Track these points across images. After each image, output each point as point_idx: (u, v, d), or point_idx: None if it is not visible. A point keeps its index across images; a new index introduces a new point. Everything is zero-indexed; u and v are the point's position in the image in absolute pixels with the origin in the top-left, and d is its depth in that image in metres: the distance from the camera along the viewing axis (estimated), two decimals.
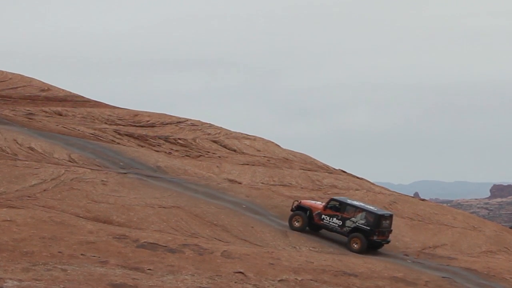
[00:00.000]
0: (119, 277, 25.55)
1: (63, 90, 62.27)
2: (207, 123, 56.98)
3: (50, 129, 48.43)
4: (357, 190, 47.15)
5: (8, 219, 30.43)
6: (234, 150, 51.85)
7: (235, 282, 27.34)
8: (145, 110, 58.80)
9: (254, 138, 54.85)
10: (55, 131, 47.91)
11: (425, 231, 42.48)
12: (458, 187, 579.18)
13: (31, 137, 44.39)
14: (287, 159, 51.61)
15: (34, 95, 59.45)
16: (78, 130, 49.60)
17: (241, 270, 28.65)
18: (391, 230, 38.59)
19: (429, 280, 32.86)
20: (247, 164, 48.31)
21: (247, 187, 43.89)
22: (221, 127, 56.50)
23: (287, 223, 38.76)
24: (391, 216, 38.61)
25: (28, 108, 53.97)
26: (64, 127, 49.62)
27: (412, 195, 70.39)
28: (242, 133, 55.75)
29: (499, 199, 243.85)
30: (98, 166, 41.88)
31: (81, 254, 27.40)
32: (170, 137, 52.35)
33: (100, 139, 48.33)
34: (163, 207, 37.02)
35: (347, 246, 37.46)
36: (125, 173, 41.12)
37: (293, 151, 54.28)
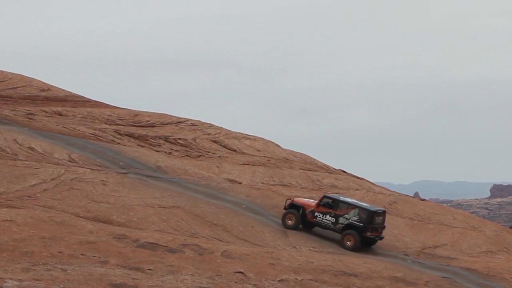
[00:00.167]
0: (119, 277, 25.54)
1: (63, 90, 62.27)
2: (207, 123, 56.98)
3: (50, 129, 48.43)
4: (357, 190, 47.16)
5: (8, 219, 30.43)
6: (234, 150, 51.84)
7: (235, 282, 27.34)
8: (145, 110, 58.80)
9: (254, 138, 54.84)
10: (55, 131, 47.91)
11: (425, 231, 42.48)
12: (458, 187, 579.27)
13: (31, 137, 44.39)
14: (287, 159, 51.61)
15: (34, 95, 59.45)
16: (78, 130, 49.60)
17: (241, 270, 28.65)
18: (384, 226, 38.75)
19: (429, 280, 32.86)
20: (247, 164, 48.30)
21: (247, 187, 43.90)
22: (221, 127, 56.50)
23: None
24: (384, 213, 38.75)
25: (28, 108, 53.96)
26: (64, 127, 49.62)
27: (412, 195, 70.38)
28: (242, 133, 55.74)
29: (499, 199, 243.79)
30: (98, 166, 41.89)
31: (81, 254, 27.40)
32: (170, 137, 52.35)
33: (100, 139, 48.33)
34: (163, 207, 37.02)
35: (340, 243, 37.55)
36: (125, 173, 41.12)
37: (293, 151, 54.28)
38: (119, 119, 55.30)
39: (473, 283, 34.27)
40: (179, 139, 52.34)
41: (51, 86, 62.50)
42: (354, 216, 37.84)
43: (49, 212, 33.02)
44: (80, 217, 33.75)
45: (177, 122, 56.39)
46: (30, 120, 50.25)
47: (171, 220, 35.81)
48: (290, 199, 39.94)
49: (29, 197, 35.55)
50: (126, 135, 50.96)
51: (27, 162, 39.99)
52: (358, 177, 52.20)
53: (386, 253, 37.99)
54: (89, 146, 45.60)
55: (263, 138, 55.50)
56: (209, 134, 54.44)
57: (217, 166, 47.25)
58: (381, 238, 38.59)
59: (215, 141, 52.97)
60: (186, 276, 26.94)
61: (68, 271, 25.31)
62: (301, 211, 38.63)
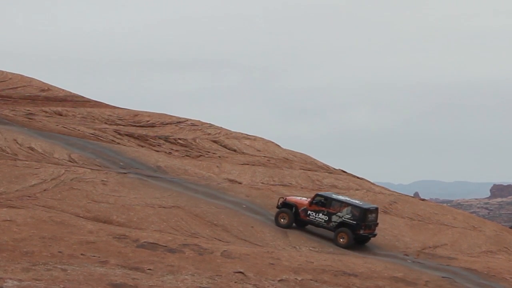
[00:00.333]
0: (119, 277, 25.54)
1: (63, 90, 62.28)
2: (207, 123, 56.99)
3: (50, 129, 48.43)
4: (357, 190, 47.16)
5: (8, 219, 30.43)
6: (234, 150, 51.85)
7: (235, 282, 27.34)
8: (145, 110, 58.82)
9: (254, 138, 54.85)
10: (55, 131, 47.92)
11: (425, 231, 42.48)
12: (458, 187, 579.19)
13: (31, 137, 44.40)
14: (287, 159, 51.61)
15: (34, 95, 59.45)
16: (78, 130, 49.61)
17: (241, 270, 28.65)
18: (377, 224, 38.79)
19: (429, 280, 32.85)
20: (247, 164, 48.30)
21: (247, 187, 43.90)
22: (221, 127, 56.51)
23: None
24: (376, 210, 38.85)
25: (28, 108, 53.97)
26: (64, 127, 49.63)
27: (412, 195, 70.37)
28: (242, 133, 55.75)
29: (499, 199, 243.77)
30: (98, 166, 41.89)
31: (81, 254, 27.40)
32: (170, 137, 52.35)
33: (100, 139, 48.33)
34: (163, 207, 37.03)
35: (334, 241, 37.62)
36: (125, 173, 41.12)
37: (293, 151, 54.28)
38: (119, 119, 55.30)
39: (473, 283, 34.26)
40: (179, 139, 52.34)
41: (51, 86, 62.51)
42: (347, 214, 37.95)
43: (49, 212, 33.02)
44: (80, 217, 33.75)
45: (177, 122, 56.40)
46: (30, 120, 50.25)
47: (171, 220, 35.81)
48: (283, 197, 40.01)
49: (29, 197, 35.55)
50: (126, 135, 50.97)
51: (27, 162, 40.00)
52: (358, 177, 52.21)
53: (386, 253, 37.99)
54: (89, 146, 45.61)
55: (263, 138, 55.50)
56: (209, 134, 54.44)
57: (217, 166, 47.25)
58: (374, 235, 38.71)
59: (215, 141, 52.98)
60: (186, 276, 26.94)
61: (68, 271, 25.31)
62: (294, 209, 38.70)
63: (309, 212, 38.56)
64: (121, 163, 43.37)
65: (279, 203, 39.36)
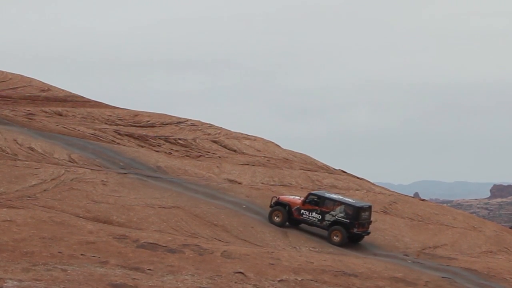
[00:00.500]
0: (119, 277, 25.55)
1: (63, 90, 62.30)
2: (207, 123, 57.01)
3: (50, 129, 48.44)
4: (357, 190, 47.17)
5: (8, 219, 30.43)
6: (234, 150, 51.86)
7: (235, 282, 27.34)
8: (145, 110, 58.84)
9: (254, 138, 54.86)
10: (55, 131, 47.93)
11: (425, 231, 42.49)
12: (458, 187, 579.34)
13: (31, 137, 44.41)
14: (287, 159, 51.62)
15: (34, 95, 59.47)
16: (78, 130, 49.62)
17: (241, 270, 28.65)
18: (371, 222, 38.84)
19: (429, 280, 32.85)
20: (247, 164, 48.32)
21: (247, 187, 43.91)
22: (221, 127, 56.53)
23: (287, 223, 38.90)
24: (370, 208, 38.92)
25: (28, 108, 53.99)
26: (64, 127, 49.64)
27: (412, 195, 70.40)
28: (242, 133, 55.77)
29: (499, 199, 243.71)
30: (98, 166, 41.90)
31: (81, 254, 27.40)
32: (170, 137, 52.36)
33: (100, 139, 48.34)
34: (163, 207, 37.03)
35: (327, 239, 37.70)
36: (125, 173, 41.13)
37: (293, 151, 54.30)
38: (119, 119, 55.32)
39: (473, 283, 34.26)
40: (179, 139, 52.35)
41: (51, 86, 62.52)
42: (340, 213, 38.05)
43: (49, 212, 33.02)
44: (80, 217, 33.75)
45: (177, 122, 56.42)
46: (30, 120, 50.26)
47: (171, 220, 35.81)
48: (276, 196, 40.09)
49: (29, 197, 35.55)
50: (126, 135, 50.98)
51: (27, 162, 40.00)
52: (358, 177, 52.22)
53: (386, 253, 38.00)
54: (89, 146, 45.62)
55: (263, 138, 55.52)
56: (209, 134, 54.45)
57: (217, 166, 47.27)
58: (368, 233, 38.78)
59: (215, 141, 52.99)
60: (186, 276, 26.95)
61: (68, 271, 25.31)
62: (287, 208, 38.76)
63: (302, 211, 38.65)
64: (121, 163, 43.38)
65: (272, 202, 39.44)
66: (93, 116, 54.78)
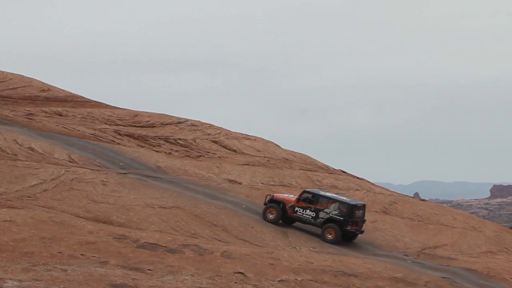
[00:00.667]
0: (119, 277, 25.55)
1: (63, 90, 62.33)
2: (207, 123, 57.03)
3: (50, 129, 48.44)
4: (357, 190, 47.18)
5: (8, 219, 30.42)
6: (234, 151, 51.88)
7: (235, 283, 27.34)
8: (145, 111, 58.88)
9: (254, 138, 54.88)
10: (55, 132, 47.93)
11: (425, 231, 42.49)
12: (458, 187, 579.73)
13: (31, 138, 44.41)
14: (287, 159, 51.64)
15: (34, 95, 59.50)
16: (78, 130, 49.62)
17: (241, 270, 28.65)
18: (365, 220, 38.93)
19: (429, 280, 32.85)
20: (247, 165, 48.33)
21: (247, 187, 43.92)
22: (221, 127, 56.55)
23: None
24: (364, 206, 39.02)
25: (28, 109, 54.00)
26: (64, 127, 49.64)
27: (412, 196, 70.40)
28: (242, 133, 55.79)
29: (499, 199, 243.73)
30: (98, 166, 41.90)
31: (81, 254, 27.40)
32: (170, 137, 52.37)
33: (100, 140, 48.34)
34: (163, 207, 37.03)
35: (321, 237, 37.78)
36: (125, 173, 41.13)
37: (293, 151, 54.32)
38: (119, 120, 55.34)
39: (473, 283, 34.25)
40: (179, 139, 52.36)
41: (51, 86, 62.56)
42: (334, 210, 38.15)
43: (49, 213, 33.02)
44: (80, 217, 33.75)
45: (177, 123, 56.44)
46: (30, 120, 50.27)
47: (171, 221, 35.81)
48: (270, 194, 40.15)
49: (29, 197, 35.55)
50: (126, 135, 50.99)
51: (27, 163, 40.00)
52: (358, 178, 52.25)
53: (386, 253, 38.01)
54: (89, 147, 45.62)
55: (263, 138, 55.55)
56: (209, 134, 54.47)
57: (217, 167, 47.28)
58: (361, 232, 38.84)
59: (215, 142, 53.00)
60: (186, 277, 26.95)
61: (68, 272, 25.31)
62: (281, 206, 38.84)
63: (296, 208, 38.76)
64: (121, 164, 43.38)
65: (266, 200, 39.53)
66: (93, 116, 54.80)
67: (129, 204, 36.67)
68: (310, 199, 38.68)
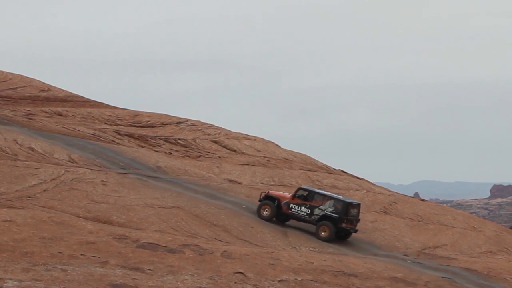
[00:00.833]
0: (119, 277, 25.55)
1: (63, 90, 62.34)
2: (207, 123, 57.04)
3: (50, 129, 48.44)
4: (357, 190, 47.18)
5: (8, 219, 30.43)
6: (234, 151, 51.88)
7: (235, 282, 27.34)
8: (145, 111, 58.89)
9: (254, 139, 54.88)
10: (55, 132, 47.93)
11: (425, 231, 42.50)
12: (458, 187, 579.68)
13: (31, 138, 44.41)
14: (287, 159, 51.64)
15: (34, 95, 59.50)
16: (78, 130, 49.62)
17: (241, 270, 28.65)
18: (359, 219, 38.97)
19: (429, 280, 32.85)
20: (247, 165, 48.33)
21: (247, 187, 43.93)
22: (221, 128, 56.55)
23: (287, 223, 38.93)
24: (359, 205, 39.10)
25: (28, 109, 54.00)
26: (64, 127, 49.64)
27: (412, 196, 70.40)
28: (242, 133, 55.79)
29: (499, 199, 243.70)
30: (98, 166, 41.90)
31: (81, 254, 27.40)
32: (170, 137, 52.37)
33: (100, 140, 48.34)
34: (163, 207, 37.03)
35: (315, 234, 37.82)
36: (125, 173, 41.13)
37: (293, 151, 54.32)
38: (119, 120, 55.34)
39: (473, 283, 34.25)
40: (179, 139, 52.36)
41: (51, 86, 62.57)
42: (329, 207, 38.20)
43: (49, 212, 33.02)
44: (80, 217, 33.75)
45: (177, 123, 56.44)
46: (30, 120, 50.27)
47: (171, 221, 35.81)
48: (265, 192, 40.18)
49: (29, 197, 35.55)
50: (126, 135, 50.99)
51: (27, 163, 40.00)
52: (358, 178, 52.24)
53: (386, 253, 38.01)
54: (89, 147, 45.62)
55: (263, 139, 55.55)
56: (209, 134, 54.48)
57: (217, 167, 47.28)
58: (356, 231, 38.87)
59: (215, 142, 53.01)
60: (186, 277, 26.95)
61: (68, 271, 25.31)
62: (276, 203, 38.85)
63: (291, 205, 38.79)
64: (121, 164, 43.38)
65: (261, 197, 39.55)
66: (93, 116, 54.80)
67: (129, 204, 36.67)
68: (305, 196, 38.76)
